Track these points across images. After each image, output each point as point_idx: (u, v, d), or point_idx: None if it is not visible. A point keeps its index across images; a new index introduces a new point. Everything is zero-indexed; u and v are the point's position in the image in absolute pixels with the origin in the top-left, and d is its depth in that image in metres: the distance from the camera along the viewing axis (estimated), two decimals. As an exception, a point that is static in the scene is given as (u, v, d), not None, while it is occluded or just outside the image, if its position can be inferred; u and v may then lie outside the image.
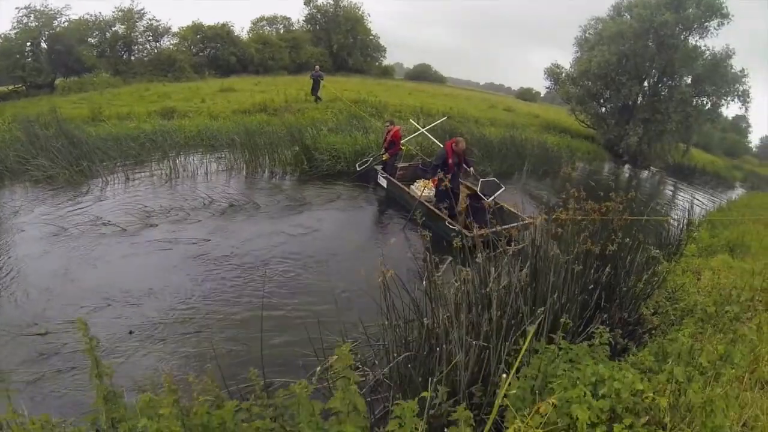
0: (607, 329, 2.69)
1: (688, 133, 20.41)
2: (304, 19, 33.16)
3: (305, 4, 32.52)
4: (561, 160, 14.83)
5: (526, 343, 1.62)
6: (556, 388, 2.03)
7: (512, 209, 7.46)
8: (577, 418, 1.84)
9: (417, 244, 7.03)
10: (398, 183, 8.85)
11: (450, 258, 3.63)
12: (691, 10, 18.00)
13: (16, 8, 21.78)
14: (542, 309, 2.85)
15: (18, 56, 21.55)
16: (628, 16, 19.74)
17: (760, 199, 16.49)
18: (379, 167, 9.57)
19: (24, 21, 21.89)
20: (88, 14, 24.72)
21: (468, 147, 11.09)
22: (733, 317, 3.33)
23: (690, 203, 13.16)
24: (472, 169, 7.94)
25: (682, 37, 18.70)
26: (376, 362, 3.47)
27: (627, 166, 19.67)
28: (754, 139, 41.58)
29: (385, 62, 36.54)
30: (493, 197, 7.57)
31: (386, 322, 3.18)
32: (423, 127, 10.77)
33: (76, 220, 7.08)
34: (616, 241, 3.74)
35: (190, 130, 12.18)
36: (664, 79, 19.84)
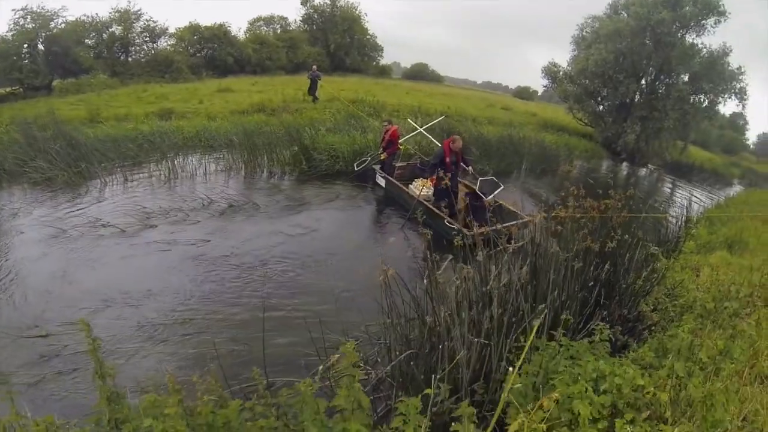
0: (607, 326, 2.71)
1: (685, 130, 20.46)
2: (301, 19, 33.15)
3: (302, 3, 32.51)
4: (559, 159, 14.87)
5: (530, 339, 1.63)
6: (558, 384, 2.04)
7: (511, 207, 7.47)
8: (579, 414, 1.86)
9: (416, 243, 7.05)
10: (397, 182, 8.86)
11: (451, 256, 3.65)
12: (687, 8, 18.05)
13: (13, 10, 21.74)
14: (543, 306, 2.86)
15: (15, 58, 21.46)
16: (625, 15, 19.78)
17: (758, 196, 16.55)
18: (377, 167, 9.59)
19: (20, 23, 21.82)
20: (84, 15, 24.68)
21: (466, 146, 11.11)
22: (732, 313, 3.35)
23: (688, 200, 13.24)
24: (470, 168, 7.95)
25: (679, 35, 18.75)
26: (379, 360, 3.48)
27: (625, 163, 19.73)
28: (751, 136, 41.72)
29: (383, 62, 36.58)
30: (492, 195, 7.58)
31: (388, 321, 3.19)
32: (421, 127, 10.79)
33: (75, 221, 7.07)
34: (616, 238, 3.75)
35: (189, 131, 12.16)
36: (662, 76, 19.89)
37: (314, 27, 32.93)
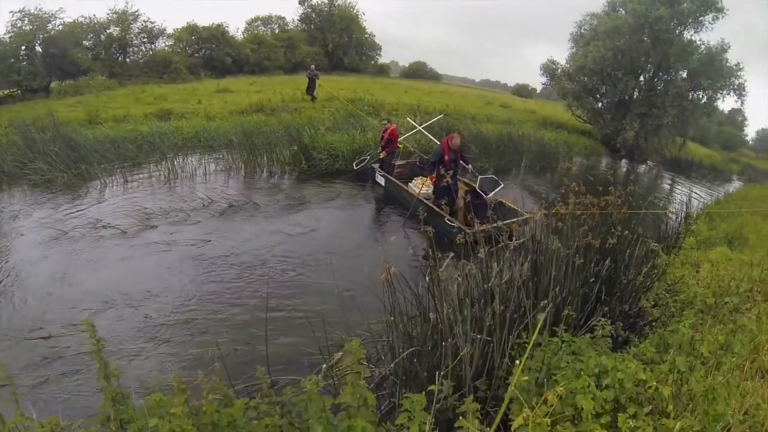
0: (609, 322, 2.72)
1: (684, 127, 20.49)
2: (298, 18, 33.11)
3: (300, 3, 32.48)
4: (558, 156, 14.88)
5: (535, 334, 1.64)
6: (560, 379, 2.05)
7: (512, 205, 7.49)
8: (582, 409, 1.87)
9: (417, 241, 7.06)
10: (396, 181, 8.87)
11: (452, 254, 3.66)
12: (685, 4, 18.06)
13: (10, 12, 21.73)
14: (545, 302, 2.88)
15: (13, 60, 21.45)
16: (623, 12, 19.78)
17: (758, 192, 16.59)
18: (376, 165, 9.60)
19: (18, 25, 21.82)
20: (82, 17, 24.67)
21: (466, 144, 11.13)
22: (732, 308, 3.37)
23: (688, 196, 13.25)
24: (470, 166, 7.97)
25: (677, 31, 18.75)
26: (382, 357, 3.49)
27: (624, 160, 19.74)
28: (750, 132, 41.61)
29: (381, 61, 36.55)
30: (492, 193, 7.60)
31: (390, 319, 3.20)
32: (420, 125, 10.79)
33: (75, 223, 7.08)
34: (616, 235, 3.77)
35: (188, 132, 12.15)
36: (660, 73, 19.90)
37: (312, 26, 32.90)
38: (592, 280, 3.55)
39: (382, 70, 35.50)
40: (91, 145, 10.08)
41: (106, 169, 9.48)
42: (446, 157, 7.47)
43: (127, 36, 25.53)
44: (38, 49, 22.46)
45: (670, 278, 4.62)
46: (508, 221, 6.52)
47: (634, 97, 20.30)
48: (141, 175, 9.50)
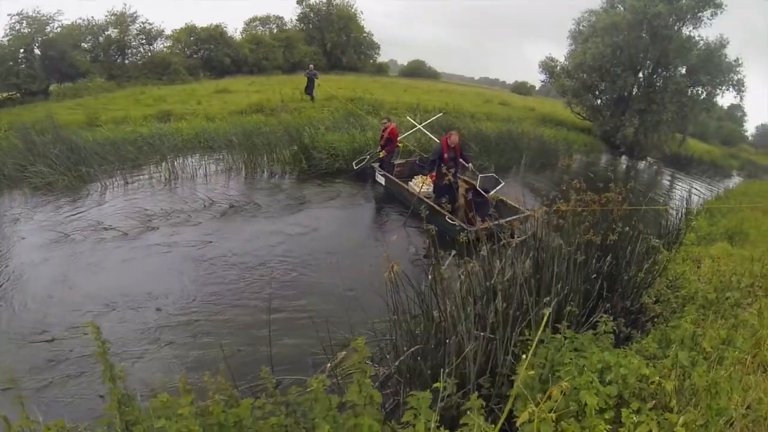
0: (611, 318, 2.73)
1: (683, 123, 20.46)
2: (296, 18, 33.02)
3: (298, 3, 32.39)
4: (558, 153, 14.89)
5: (541, 329, 1.66)
6: (564, 375, 2.06)
7: (513, 203, 7.50)
8: (586, 404, 1.88)
9: (417, 240, 7.07)
10: (396, 180, 8.88)
11: (454, 252, 3.67)
12: (684, 0, 18.04)
13: (8, 15, 21.66)
14: (548, 298, 2.89)
15: (11, 63, 21.39)
16: (622, 8, 19.75)
17: (758, 187, 16.59)
18: (376, 165, 9.60)
19: (16, 28, 21.73)
20: (80, 19, 24.58)
21: (466, 142, 11.14)
22: (733, 303, 3.38)
23: (688, 192, 13.27)
24: (470, 165, 7.99)
25: (675, 27, 18.72)
26: (387, 356, 3.50)
27: (624, 157, 19.73)
28: (750, 128, 41.56)
29: (379, 60, 36.49)
30: (493, 192, 7.61)
31: (393, 318, 3.21)
32: (420, 124, 10.80)
33: (76, 225, 7.09)
34: (617, 231, 3.78)
35: (188, 133, 12.15)
36: (659, 69, 19.86)
37: (310, 26, 32.83)
38: (593, 277, 3.56)
39: (381, 69, 35.43)
40: (91, 147, 10.07)
41: (106, 171, 9.48)
42: (445, 155, 7.49)
43: (126, 38, 25.46)
44: (37, 51, 22.40)
45: (671, 274, 4.63)
46: (509, 219, 6.53)
47: (633, 93, 20.27)
48: (141, 177, 9.50)
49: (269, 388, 2.11)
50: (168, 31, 27.23)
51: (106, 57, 25.04)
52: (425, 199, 7.63)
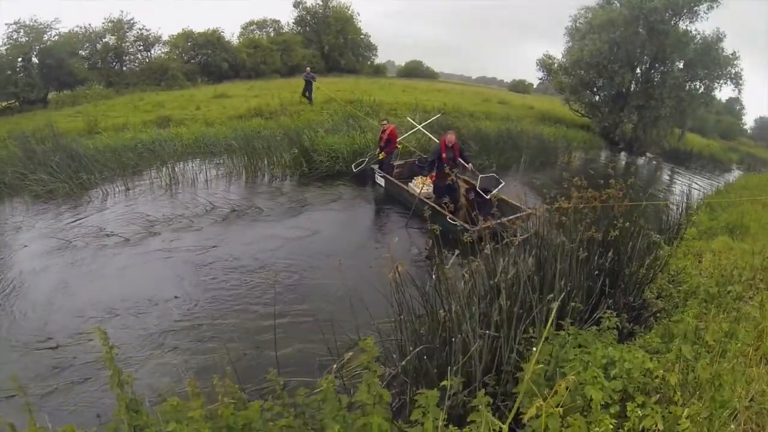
0: (614, 314, 2.75)
1: (682, 117, 20.43)
2: (293, 21, 33.11)
3: (294, 6, 32.49)
4: (558, 151, 14.90)
5: (549, 324, 1.67)
6: (569, 371, 2.08)
7: (514, 201, 7.51)
8: (591, 399, 1.89)
9: (419, 241, 7.09)
10: (396, 181, 8.90)
11: (457, 251, 3.68)
12: (680, -6, 18.05)
13: (6, 24, 21.75)
14: (552, 295, 2.90)
15: (10, 72, 21.46)
16: (618, 4, 19.75)
17: (757, 180, 16.55)
18: (376, 166, 9.62)
19: (14, 36, 21.81)
20: (77, 27, 24.71)
21: (465, 142, 11.16)
22: (735, 297, 3.40)
23: (688, 187, 13.27)
24: (470, 164, 8.01)
25: (672, 22, 18.71)
26: (393, 356, 3.51)
27: (623, 153, 19.73)
28: (748, 121, 41.45)
29: (377, 61, 36.54)
30: (494, 191, 7.62)
31: (399, 318, 3.23)
32: (419, 124, 10.82)
33: (78, 232, 7.11)
34: (618, 227, 3.79)
35: (188, 138, 12.18)
36: (656, 65, 19.85)
37: (307, 29, 32.91)
38: (596, 273, 3.58)
39: (379, 71, 35.48)
40: (91, 154, 10.10)
41: (107, 177, 9.52)
42: (444, 155, 7.52)
43: (123, 44, 25.55)
44: (35, 60, 22.48)
45: (672, 269, 4.64)
46: (511, 217, 6.54)
47: (631, 89, 20.26)
48: (142, 183, 9.53)
49: (277, 390, 2.12)
50: (165, 37, 27.38)
51: (104, 64, 25.13)
52: (426, 201, 7.65)
